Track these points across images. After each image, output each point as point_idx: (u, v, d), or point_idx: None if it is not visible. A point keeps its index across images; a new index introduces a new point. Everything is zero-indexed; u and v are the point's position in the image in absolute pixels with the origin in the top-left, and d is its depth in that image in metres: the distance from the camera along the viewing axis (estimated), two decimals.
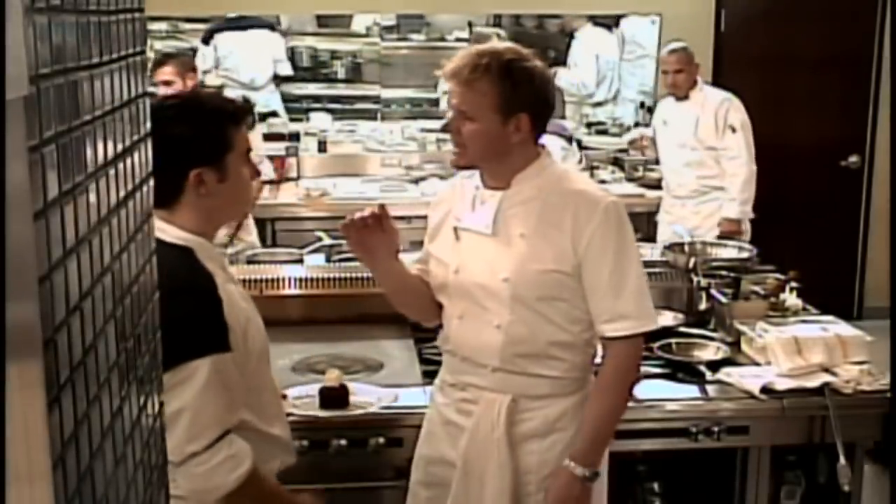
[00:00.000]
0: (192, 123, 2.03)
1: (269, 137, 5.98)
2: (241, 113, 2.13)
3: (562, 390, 2.35)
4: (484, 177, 2.36)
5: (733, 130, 5.04)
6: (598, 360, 2.46)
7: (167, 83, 4.56)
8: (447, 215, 2.43)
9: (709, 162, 5.12)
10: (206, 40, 6.81)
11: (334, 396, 2.66)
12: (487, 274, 2.30)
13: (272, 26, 6.84)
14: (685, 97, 5.17)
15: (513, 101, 2.24)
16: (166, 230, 1.98)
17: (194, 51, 6.79)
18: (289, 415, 2.34)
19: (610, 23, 7.05)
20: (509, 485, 2.32)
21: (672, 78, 5.17)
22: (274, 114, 6.69)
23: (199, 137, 2.02)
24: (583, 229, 2.25)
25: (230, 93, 6.36)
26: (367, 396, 2.71)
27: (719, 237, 4.74)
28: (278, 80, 7.02)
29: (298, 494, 2.23)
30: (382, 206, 2.35)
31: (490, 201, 2.33)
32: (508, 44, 2.37)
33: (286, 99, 7.09)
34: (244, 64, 6.84)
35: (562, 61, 7.08)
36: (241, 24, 6.69)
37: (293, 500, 2.20)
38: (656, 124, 5.43)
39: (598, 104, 7.30)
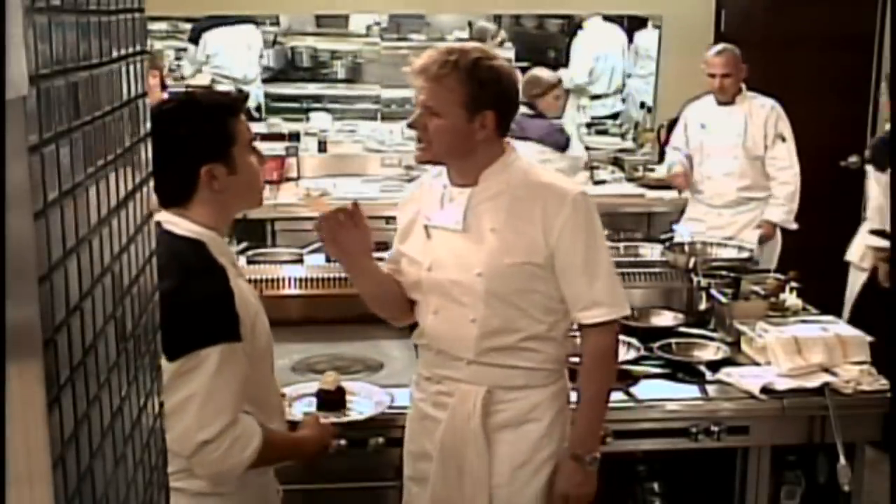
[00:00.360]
0: (193, 123, 2.06)
1: (268, 137, 5.98)
2: (238, 104, 2.17)
3: (537, 382, 2.40)
4: (451, 174, 2.40)
5: (783, 139, 4.88)
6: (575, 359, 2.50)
7: None
8: (416, 215, 2.46)
9: (750, 172, 4.96)
10: (195, 39, 6.79)
11: (331, 400, 2.66)
12: (461, 270, 2.34)
13: (256, 21, 6.84)
14: (730, 102, 4.95)
15: (479, 99, 2.27)
16: (179, 223, 2.02)
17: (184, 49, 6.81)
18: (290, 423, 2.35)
19: (620, 19, 7.03)
20: (486, 475, 2.37)
21: (719, 82, 4.90)
22: (258, 108, 6.71)
23: (203, 135, 2.06)
24: (553, 221, 2.29)
25: (223, 88, 6.40)
26: (363, 402, 2.71)
27: (760, 240, 4.72)
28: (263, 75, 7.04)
29: (306, 437, 2.28)
30: (355, 204, 2.39)
31: (459, 198, 2.36)
32: (476, 43, 2.41)
33: (285, 98, 7.08)
34: (234, 60, 6.83)
35: (562, 62, 7.08)
36: (227, 20, 6.68)
37: (305, 442, 2.26)
38: (689, 125, 5.17)
39: (597, 97, 7.27)
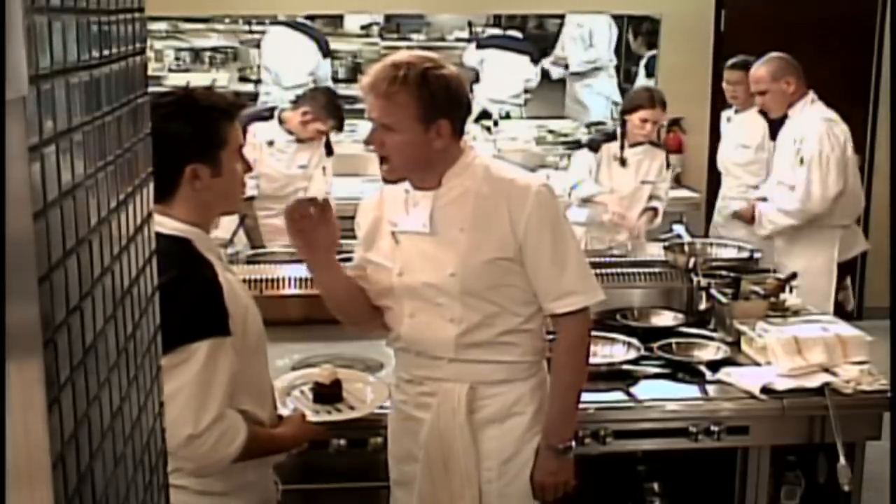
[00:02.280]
0: (188, 120, 2.06)
1: None
2: (235, 109, 2.17)
3: (518, 375, 2.42)
4: (412, 179, 2.39)
5: (801, 162, 4.35)
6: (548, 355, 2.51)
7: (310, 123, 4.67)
8: (379, 222, 2.45)
9: (774, 195, 4.53)
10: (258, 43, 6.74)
11: (326, 393, 2.66)
12: (433, 272, 2.34)
13: (321, 41, 6.79)
14: (783, 114, 4.51)
15: (432, 109, 2.26)
16: (164, 223, 2.02)
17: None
18: (280, 417, 2.35)
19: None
20: (475, 471, 2.38)
21: (759, 99, 4.56)
22: None
23: (196, 134, 2.06)
24: (519, 215, 2.30)
25: (274, 92, 6.37)
26: (358, 395, 2.70)
27: (733, 214, 4.61)
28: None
29: (284, 434, 2.27)
30: (326, 201, 2.40)
31: (423, 202, 2.37)
32: (419, 52, 2.38)
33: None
34: (286, 67, 6.75)
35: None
36: (293, 25, 6.65)
37: (282, 439, 2.25)
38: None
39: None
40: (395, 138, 2.28)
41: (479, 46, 7.08)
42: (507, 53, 7.04)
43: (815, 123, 4.39)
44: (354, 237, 2.56)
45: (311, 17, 7.15)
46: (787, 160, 4.43)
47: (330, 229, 2.37)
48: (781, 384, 2.87)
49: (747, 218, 4.70)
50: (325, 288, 2.49)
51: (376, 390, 2.72)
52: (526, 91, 7.14)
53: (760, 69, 4.51)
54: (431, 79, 2.26)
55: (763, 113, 4.82)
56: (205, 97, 2.17)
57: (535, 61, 7.11)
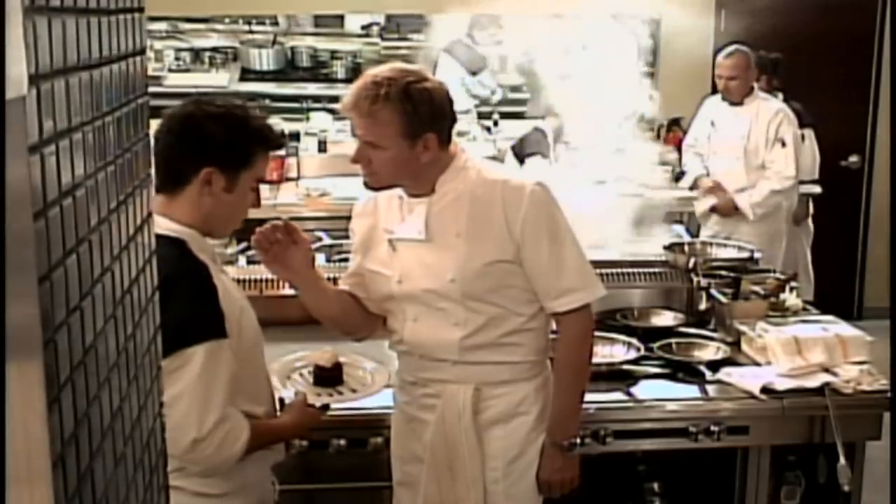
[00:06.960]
0: (227, 128, 2.07)
1: None
2: (275, 144, 2.19)
3: (522, 375, 2.42)
4: (405, 187, 2.38)
5: (783, 144, 4.98)
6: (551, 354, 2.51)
7: None
8: (374, 229, 2.44)
9: (749, 175, 5.08)
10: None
11: (326, 377, 2.65)
12: (433, 278, 2.34)
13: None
14: (739, 102, 5.07)
15: (417, 124, 2.24)
16: (159, 223, 2.01)
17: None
18: (282, 401, 2.35)
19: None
20: (480, 473, 2.38)
21: (724, 84, 5.05)
22: None
23: (227, 142, 2.07)
24: (515, 216, 2.29)
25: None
26: (359, 378, 2.69)
27: (712, 209, 4.98)
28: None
29: (286, 424, 2.27)
30: (288, 223, 2.38)
31: (418, 208, 2.36)
32: (399, 65, 2.35)
33: (285, 98, 7.07)
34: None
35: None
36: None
37: (285, 429, 2.26)
38: (701, 120, 5.33)
39: None
40: (381, 155, 2.26)
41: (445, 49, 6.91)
42: (448, 60, 6.76)
43: (781, 106, 5.07)
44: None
45: (316, 17, 7.14)
46: (760, 141, 5.01)
47: (301, 248, 2.37)
48: (781, 384, 2.87)
49: (729, 211, 5.11)
50: (315, 304, 2.48)
51: (378, 373, 2.70)
52: (483, 103, 6.89)
53: (734, 58, 4.99)
54: (414, 93, 2.23)
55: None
56: (256, 120, 2.16)
57: (473, 73, 6.79)
